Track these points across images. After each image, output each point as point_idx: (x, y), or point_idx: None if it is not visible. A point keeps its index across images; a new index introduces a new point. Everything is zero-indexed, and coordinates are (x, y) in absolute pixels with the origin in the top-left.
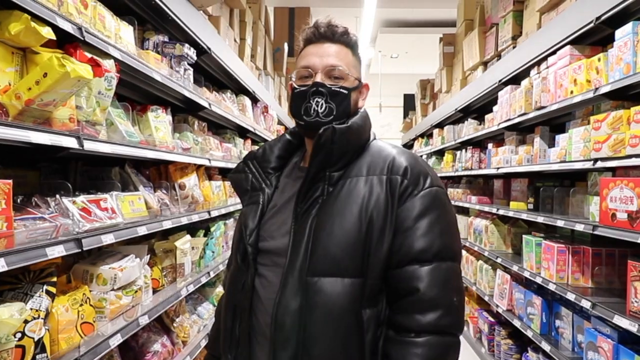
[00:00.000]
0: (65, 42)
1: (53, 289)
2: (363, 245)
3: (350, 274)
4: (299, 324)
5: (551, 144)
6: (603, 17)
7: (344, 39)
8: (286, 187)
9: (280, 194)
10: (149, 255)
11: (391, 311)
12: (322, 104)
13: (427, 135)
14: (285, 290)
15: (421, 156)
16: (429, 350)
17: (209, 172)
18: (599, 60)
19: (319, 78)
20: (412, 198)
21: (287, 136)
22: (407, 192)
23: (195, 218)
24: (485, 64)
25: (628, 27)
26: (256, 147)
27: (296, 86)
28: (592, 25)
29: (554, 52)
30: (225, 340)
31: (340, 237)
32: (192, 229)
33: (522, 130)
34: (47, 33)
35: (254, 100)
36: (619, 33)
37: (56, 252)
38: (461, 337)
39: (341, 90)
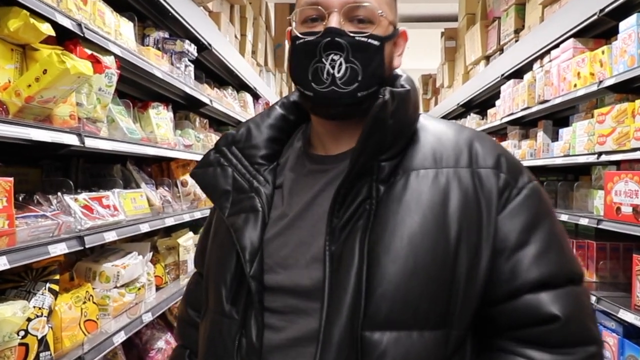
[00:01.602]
0: (65, 38)
1: (56, 287)
2: (449, 278)
3: (431, 324)
4: None
5: (554, 138)
6: (607, 10)
7: None
8: (296, 188)
9: (289, 197)
10: (151, 253)
11: (499, 341)
12: (340, 64)
13: None
14: (327, 353)
15: None
16: None
17: None
18: (603, 52)
19: (334, 21)
20: (514, 200)
21: (280, 109)
22: (506, 193)
23: (198, 215)
24: (487, 58)
25: (632, 19)
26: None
27: (298, 34)
28: (595, 17)
29: (557, 45)
30: None
31: (415, 267)
32: (194, 225)
33: (525, 125)
34: (47, 29)
35: (255, 96)
36: (622, 25)
37: (58, 249)
38: None
39: (370, 41)
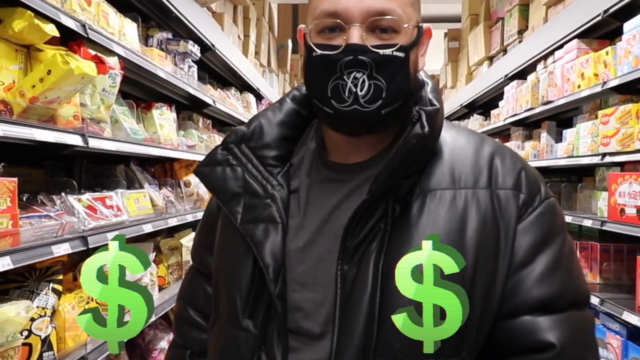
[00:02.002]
0: (69, 39)
1: (59, 287)
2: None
3: (445, 353)
4: None
5: (558, 139)
6: (611, 10)
7: None
8: (313, 195)
9: (306, 207)
10: (154, 253)
11: None
12: (363, 81)
13: None
14: None
15: None
16: None
17: None
18: (607, 53)
19: (355, 36)
20: (528, 218)
21: (291, 103)
22: (522, 210)
23: (201, 215)
24: (490, 59)
25: (636, 20)
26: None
27: (315, 47)
28: (599, 18)
29: (560, 46)
30: None
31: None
32: (197, 226)
33: (529, 126)
34: (51, 30)
35: (259, 97)
36: (627, 26)
37: (62, 250)
38: None
39: (396, 54)
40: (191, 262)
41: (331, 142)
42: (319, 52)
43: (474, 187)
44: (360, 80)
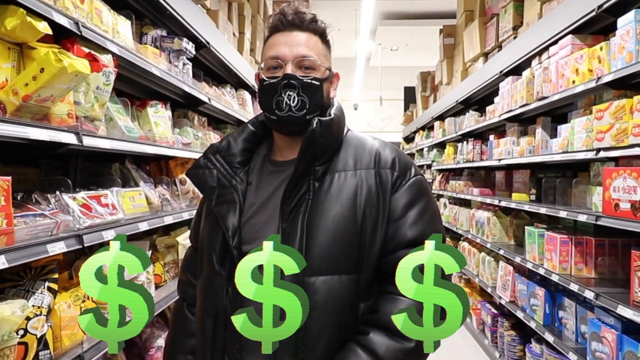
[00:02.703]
0: (62, 37)
1: (55, 286)
2: (358, 241)
3: (348, 270)
4: None
5: (553, 134)
6: (605, 6)
7: (312, 26)
8: (261, 184)
9: (256, 191)
10: (150, 251)
11: (383, 286)
12: (294, 97)
13: (428, 127)
14: None
15: (422, 149)
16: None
17: None
18: (601, 49)
19: (289, 69)
20: (401, 188)
21: (251, 127)
22: (396, 184)
23: None
24: (486, 55)
25: (630, 15)
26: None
27: (265, 78)
28: (593, 14)
29: (555, 42)
30: (206, 352)
31: (335, 234)
32: None
33: (524, 121)
34: (44, 28)
35: (254, 94)
36: (621, 21)
37: (57, 248)
38: (464, 329)
39: (313, 82)
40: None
41: (276, 146)
42: (268, 80)
43: (367, 168)
44: (293, 97)
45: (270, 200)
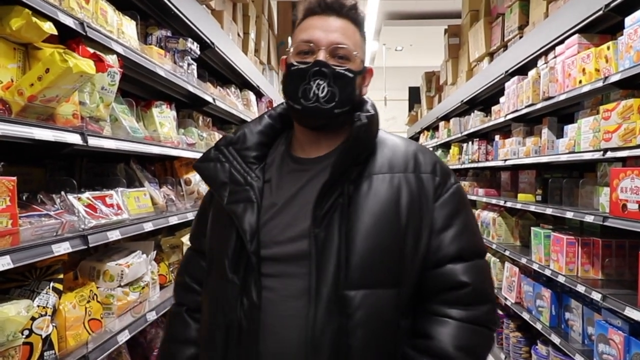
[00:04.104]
0: (68, 37)
1: (60, 286)
2: (400, 251)
3: (388, 284)
4: (339, 345)
5: (559, 134)
6: (612, 5)
7: (352, 14)
8: (282, 182)
9: (277, 190)
10: (155, 251)
11: (428, 304)
12: (323, 87)
13: (433, 128)
14: (320, 305)
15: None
16: (481, 339)
17: None
18: (608, 48)
19: (321, 56)
20: (443, 196)
21: (268, 119)
22: (438, 191)
23: None
24: (491, 55)
25: (638, 14)
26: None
27: (294, 62)
28: (601, 12)
29: (561, 42)
30: None
31: (375, 243)
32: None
33: (530, 122)
34: (49, 28)
35: (259, 94)
36: (628, 20)
37: (62, 249)
38: None
39: (346, 72)
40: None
41: (297, 142)
42: (297, 65)
43: (406, 172)
44: (322, 86)
45: (294, 200)
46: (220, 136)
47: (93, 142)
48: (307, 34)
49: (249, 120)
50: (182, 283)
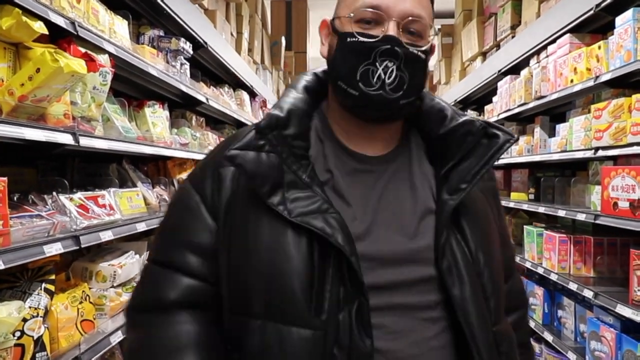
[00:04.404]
0: (59, 37)
1: (52, 287)
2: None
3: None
4: None
5: (551, 133)
6: (603, 4)
7: None
8: (346, 186)
9: (343, 196)
10: (148, 252)
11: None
12: (392, 71)
13: None
14: (481, 351)
15: None
16: None
17: None
18: (599, 48)
19: (392, 30)
20: (497, 197)
21: (302, 94)
22: (496, 192)
23: None
24: (484, 55)
25: (628, 14)
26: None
27: (354, 32)
28: (592, 12)
29: (553, 41)
30: None
31: (498, 264)
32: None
33: (522, 121)
34: (39, 28)
35: (252, 94)
36: (619, 20)
37: (54, 249)
38: None
39: (420, 54)
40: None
41: (344, 131)
42: (358, 38)
43: (477, 182)
44: (390, 69)
45: (379, 215)
46: (214, 136)
47: (85, 142)
48: None
49: (243, 120)
50: (149, 305)
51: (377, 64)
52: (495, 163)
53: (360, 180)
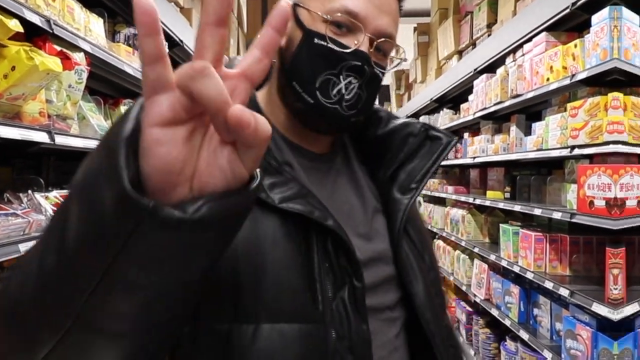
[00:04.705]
0: (34, 35)
1: None
2: None
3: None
4: None
5: (527, 132)
6: (579, 3)
7: None
8: (308, 181)
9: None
10: None
11: None
12: (354, 88)
13: None
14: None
15: None
16: None
17: None
18: (575, 46)
19: (365, 46)
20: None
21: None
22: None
23: None
24: (460, 53)
25: (604, 12)
26: None
27: (326, 36)
28: (568, 11)
29: (529, 40)
30: None
31: (432, 262)
32: None
33: (498, 119)
34: (15, 26)
35: None
36: (595, 18)
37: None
38: None
39: (381, 74)
40: None
41: (286, 128)
42: (328, 43)
43: None
44: (353, 85)
45: (332, 212)
46: None
47: (60, 140)
48: (353, 3)
49: None
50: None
51: (341, 77)
52: (472, 162)
53: (313, 176)
